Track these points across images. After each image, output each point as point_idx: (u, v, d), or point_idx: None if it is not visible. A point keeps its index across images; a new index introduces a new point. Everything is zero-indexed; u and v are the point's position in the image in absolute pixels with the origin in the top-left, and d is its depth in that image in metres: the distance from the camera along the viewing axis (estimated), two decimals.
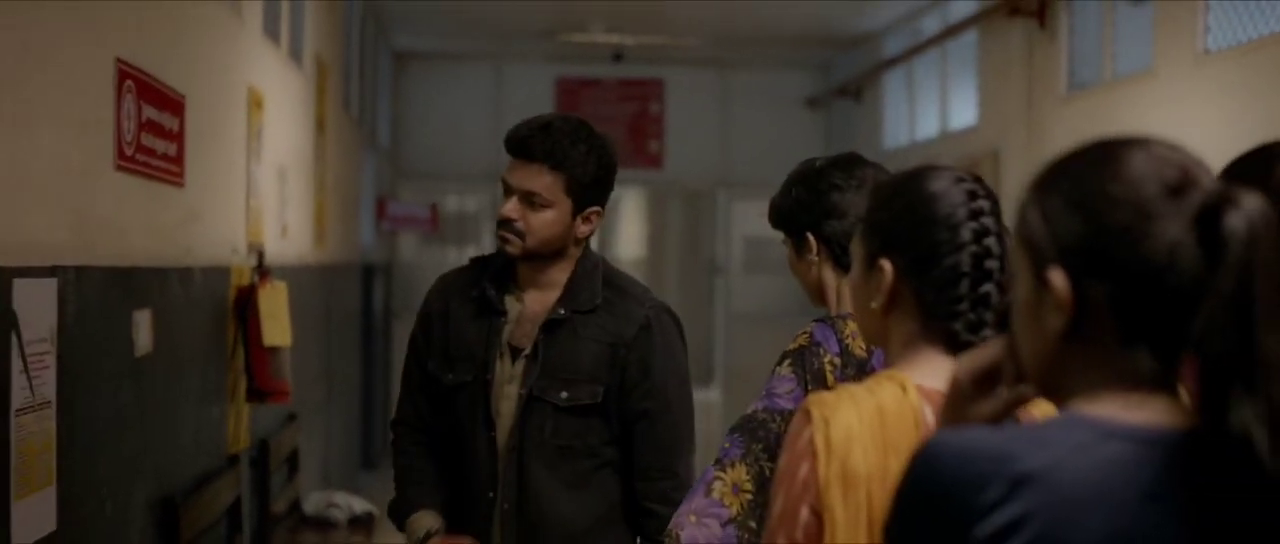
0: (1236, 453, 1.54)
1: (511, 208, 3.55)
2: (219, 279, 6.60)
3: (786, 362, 3.17)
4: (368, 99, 14.36)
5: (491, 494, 3.62)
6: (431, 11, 15.52)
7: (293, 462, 8.67)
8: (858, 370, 3.07)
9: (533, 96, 17.27)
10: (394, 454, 3.92)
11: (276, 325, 7.02)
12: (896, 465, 2.06)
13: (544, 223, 3.57)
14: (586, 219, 3.63)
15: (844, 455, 2.13)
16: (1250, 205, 1.59)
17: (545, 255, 3.61)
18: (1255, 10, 8.43)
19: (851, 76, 16.92)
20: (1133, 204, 1.62)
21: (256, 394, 7.02)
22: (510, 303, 3.66)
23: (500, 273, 3.69)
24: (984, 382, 1.84)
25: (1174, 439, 1.59)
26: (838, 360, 3.14)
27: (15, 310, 3.79)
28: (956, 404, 1.86)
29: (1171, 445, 1.58)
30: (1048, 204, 1.67)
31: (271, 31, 8.40)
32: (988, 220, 2.27)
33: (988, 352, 1.85)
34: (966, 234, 2.24)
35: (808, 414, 2.23)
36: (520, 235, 3.56)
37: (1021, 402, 1.81)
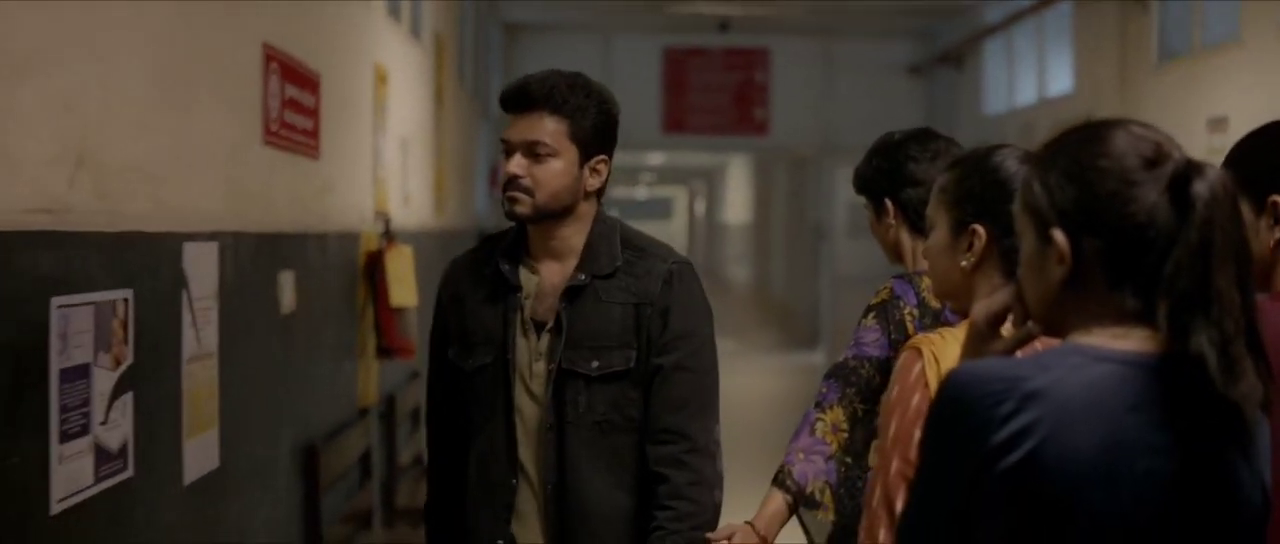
0: (1196, 373, 1.96)
1: (516, 164, 3.32)
2: (350, 244, 7.11)
3: (871, 314, 3.62)
4: (481, 71, 14.87)
5: (514, 480, 3.38)
6: None
7: (416, 416, 9.18)
8: (934, 320, 3.50)
9: (640, 66, 17.76)
10: (430, 453, 3.71)
11: (403, 287, 7.54)
12: None
13: (552, 174, 3.31)
14: (594, 170, 3.39)
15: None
16: (1212, 174, 2.00)
17: (556, 212, 3.35)
18: None
19: (952, 44, 17.22)
20: (1118, 174, 2.02)
21: (384, 351, 7.55)
22: (526, 277, 3.40)
23: (512, 247, 3.44)
24: (997, 322, 2.26)
25: (1150, 362, 2.00)
26: (916, 311, 3.58)
27: (185, 271, 4.29)
28: (975, 341, 2.28)
29: (1148, 367, 2.00)
30: (1048, 177, 2.08)
31: (394, 10, 8.91)
32: None
33: (1000, 297, 2.26)
34: None
35: (918, 351, 2.67)
36: (529, 192, 3.30)
37: (1029, 338, 2.22)
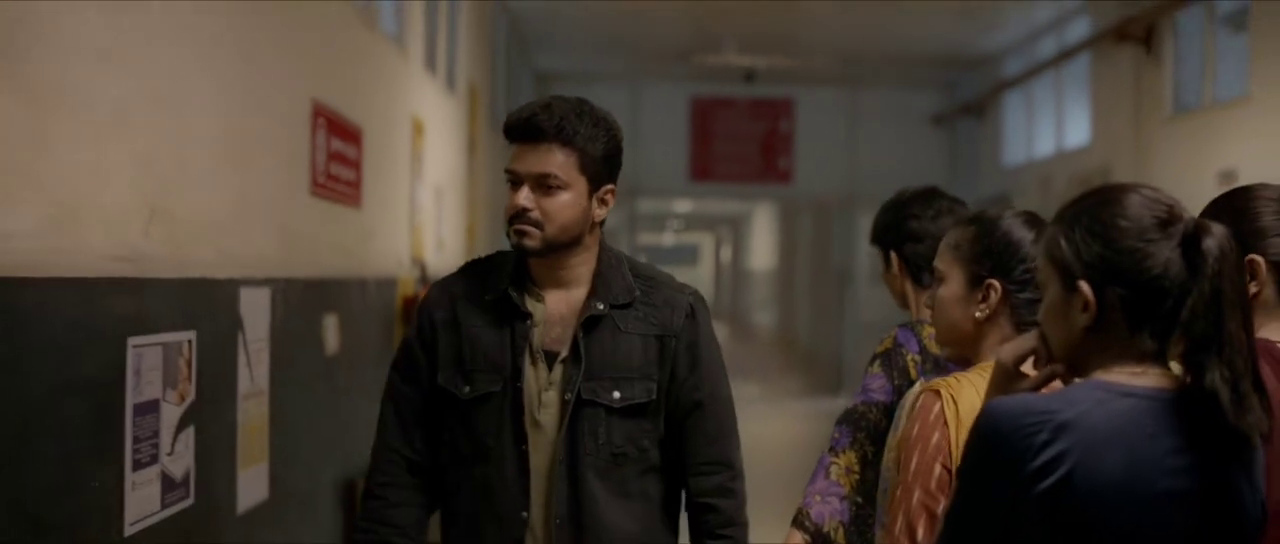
0: (1210, 406, 2.26)
1: (524, 197, 3.16)
2: (388, 289, 7.44)
3: (877, 362, 3.93)
4: None
5: (525, 513, 3.22)
6: (572, 33, 16.40)
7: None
8: (935, 366, 3.80)
9: (668, 115, 18.12)
10: (378, 476, 3.41)
11: None
12: None
13: (562, 207, 3.17)
14: (602, 200, 3.27)
15: (970, 424, 2.87)
16: (1218, 232, 2.31)
17: (565, 244, 3.22)
18: None
19: (973, 96, 17.55)
20: (1136, 233, 2.33)
21: None
22: (532, 305, 3.25)
23: (515, 274, 3.28)
24: (1022, 362, 2.56)
25: (1167, 397, 2.30)
26: (918, 358, 3.88)
27: (241, 314, 4.62)
28: (1002, 380, 2.58)
29: (1166, 401, 2.29)
30: (1073, 234, 2.38)
31: (430, 63, 9.26)
32: None
33: (1026, 341, 2.56)
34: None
35: (937, 394, 2.97)
36: (538, 225, 3.16)
37: (1052, 377, 2.51)
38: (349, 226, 6.48)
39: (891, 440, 3.49)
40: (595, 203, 3.25)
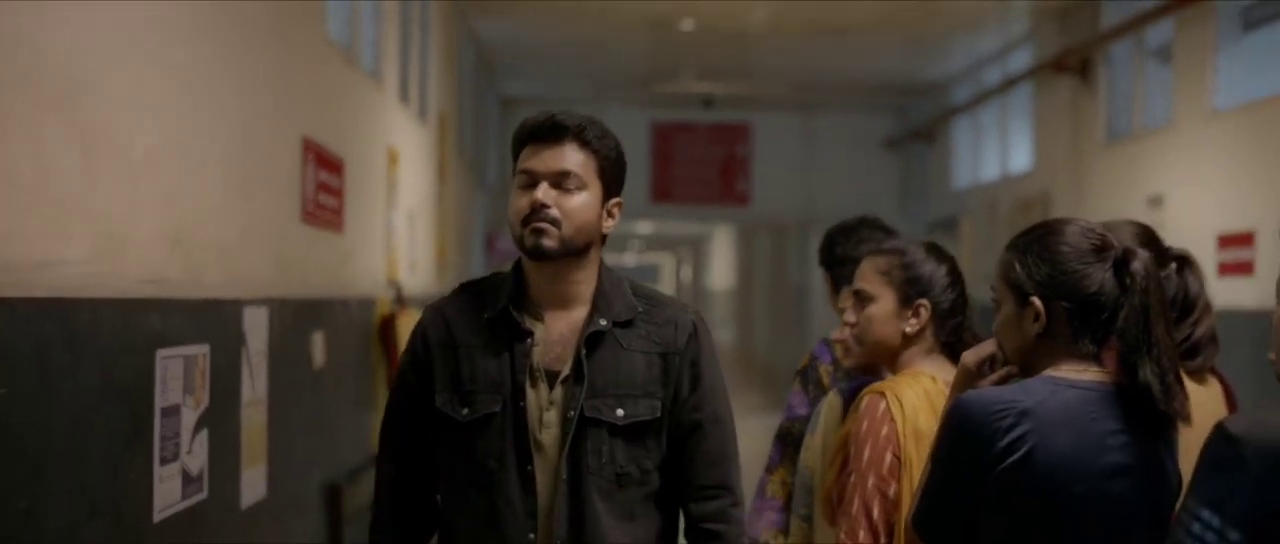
0: (1142, 397, 2.82)
1: (543, 193, 3.12)
2: (367, 308, 7.99)
3: (796, 379, 4.52)
4: (478, 143, 15.81)
5: (532, 536, 3.16)
6: (536, 60, 17.00)
7: None
8: (845, 375, 4.36)
9: (630, 139, 18.53)
10: (384, 502, 3.36)
11: None
12: None
13: (580, 206, 3.14)
14: (610, 213, 3.23)
15: (914, 418, 3.44)
16: (1143, 256, 2.88)
17: (578, 250, 3.17)
18: (1257, 74, 9.65)
19: (924, 121, 18.21)
20: (1077, 257, 2.90)
21: None
22: (531, 324, 3.20)
23: (514, 293, 3.22)
24: (983, 365, 3.13)
25: (1107, 389, 2.86)
26: (830, 369, 4.46)
27: (244, 330, 5.17)
28: (965, 380, 3.15)
29: (1105, 392, 2.84)
30: (1025, 260, 2.95)
31: (404, 95, 9.83)
32: (960, 282, 3.62)
33: (986, 347, 3.13)
34: (957, 296, 3.57)
35: (881, 394, 3.53)
36: (556, 224, 3.11)
37: (1010, 376, 3.08)
38: (333, 250, 7.03)
39: (809, 441, 4.08)
40: (605, 213, 3.21)
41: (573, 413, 3.14)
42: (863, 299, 3.67)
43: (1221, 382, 3.63)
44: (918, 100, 18.71)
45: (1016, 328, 2.90)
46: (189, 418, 4.48)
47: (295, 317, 6.05)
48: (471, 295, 3.28)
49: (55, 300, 3.44)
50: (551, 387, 3.18)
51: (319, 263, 6.70)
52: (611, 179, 3.22)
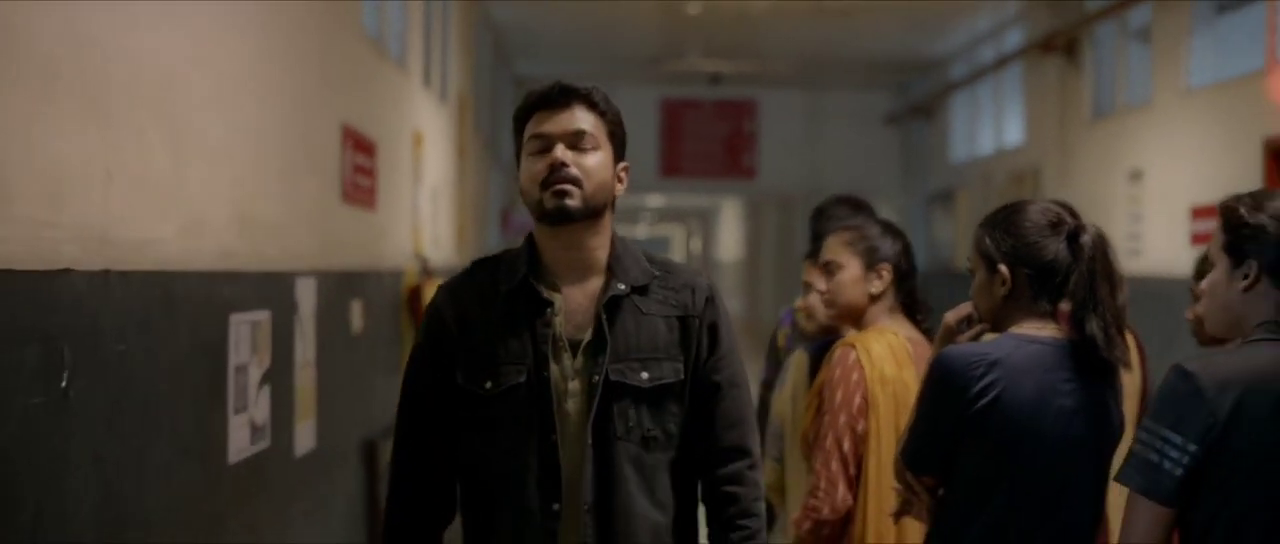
0: (1090, 349, 3.42)
1: (561, 152, 3.11)
2: (397, 279, 8.65)
3: (767, 349, 5.18)
4: (494, 122, 16.46)
5: (556, 505, 3.15)
6: (549, 41, 17.63)
7: None
8: (803, 337, 4.98)
9: (640, 116, 19.34)
10: (404, 480, 3.28)
11: None
12: (904, 374, 4.02)
13: (598, 165, 3.15)
14: (619, 177, 3.24)
15: (880, 366, 4.10)
16: (1092, 230, 3.48)
17: (598, 209, 3.18)
18: (1229, 54, 10.27)
19: (923, 97, 18.84)
20: (1036, 232, 3.51)
21: None
22: (549, 294, 3.20)
23: (529, 266, 3.21)
24: (961, 323, 3.75)
25: (1061, 343, 3.45)
26: (789, 331, 5.12)
27: (297, 299, 5.82)
28: (947, 335, 3.76)
29: (1060, 346, 3.43)
30: (994, 234, 3.55)
31: (427, 80, 10.48)
32: (911, 253, 4.27)
33: (963, 308, 3.74)
34: (909, 264, 4.22)
35: (852, 346, 4.18)
36: (577, 183, 3.12)
37: (983, 333, 3.67)
38: (368, 227, 7.69)
39: (779, 394, 4.74)
40: (615, 175, 3.22)
41: (597, 378, 3.13)
42: (832, 269, 4.34)
43: (1134, 337, 4.29)
44: (917, 77, 19.33)
45: (987, 291, 3.47)
46: (255, 375, 5.13)
47: (337, 287, 6.70)
48: (486, 271, 3.28)
49: (155, 273, 4.09)
50: (574, 355, 3.17)
51: (356, 238, 7.35)
52: (619, 142, 3.24)
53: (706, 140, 20.38)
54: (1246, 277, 2.98)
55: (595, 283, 3.22)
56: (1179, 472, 2.86)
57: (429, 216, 10.31)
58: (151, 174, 4.12)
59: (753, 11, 15.12)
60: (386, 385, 8.28)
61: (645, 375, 3.19)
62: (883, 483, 3.99)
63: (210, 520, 4.61)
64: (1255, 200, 3.00)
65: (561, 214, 3.13)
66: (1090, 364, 3.36)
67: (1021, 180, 14.48)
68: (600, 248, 3.24)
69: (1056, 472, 3.33)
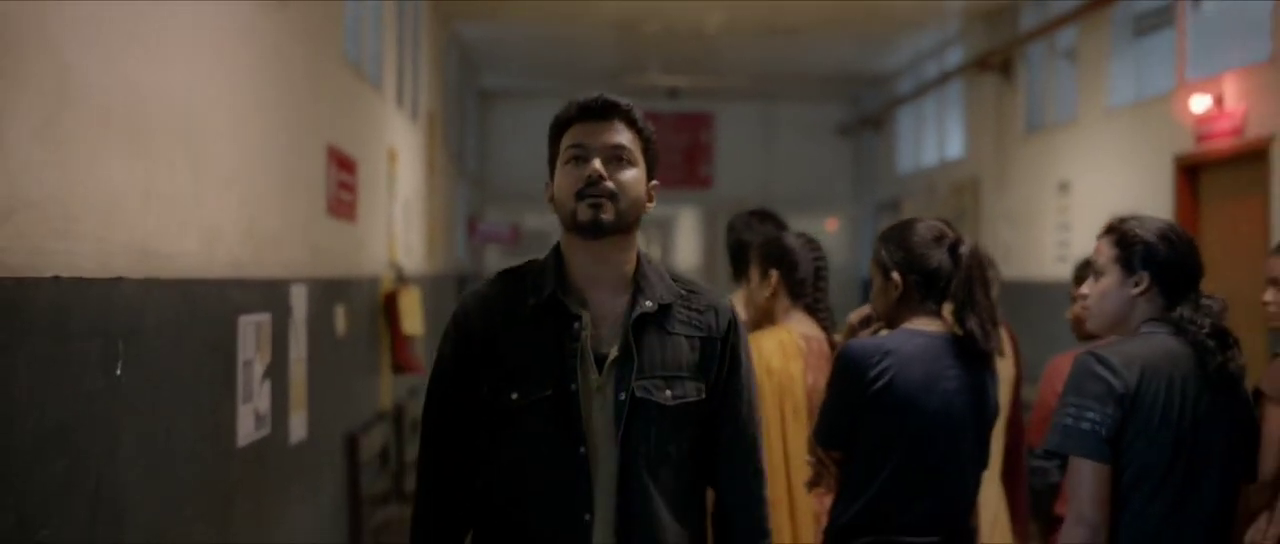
0: (969, 342, 4.10)
1: (601, 165, 3.12)
2: (374, 286, 9.36)
3: None
4: (460, 135, 17.17)
5: (588, 516, 3.15)
6: (514, 57, 18.34)
7: (417, 424, 11.37)
8: None
9: None
10: (432, 494, 3.29)
11: (411, 319, 9.81)
12: (790, 367, 4.75)
13: (633, 181, 3.15)
14: (650, 195, 3.24)
15: (767, 360, 4.80)
16: (968, 244, 4.18)
17: (629, 225, 3.18)
18: (1145, 76, 11.05)
19: (873, 110, 19.63)
20: (923, 245, 4.21)
21: (397, 367, 9.80)
22: (577, 308, 3.20)
23: (557, 278, 3.23)
24: (862, 322, 4.44)
25: (944, 336, 4.14)
26: None
27: (291, 304, 6.52)
28: (851, 331, 4.45)
29: (944, 339, 4.13)
30: (889, 246, 4.25)
31: (400, 100, 11.18)
32: (821, 261, 4.98)
33: (864, 309, 4.43)
34: (809, 265, 4.94)
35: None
36: (613, 197, 3.12)
37: (879, 329, 4.33)
38: (349, 237, 8.39)
39: None
40: (647, 193, 3.22)
41: (624, 395, 3.14)
42: (748, 279, 5.08)
43: (1009, 330, 5.03)
44: (867, 91, 20.13)
45: (883, 294, 4.20)
46: (258, 370, 5.83)
47: (324, 293, 7.40)
48: (512, 281, 3.29)
49: (182, 280, 4.79)
50: (600, 370, 3.16)
51: (339, 248, 8.05)
52: (652, 160, 3.26)
53: (665, 151, 20.95)
54: (1138, 284, 3.73)
55: (622, 298, 3.22)
56: (1104, 432, 3.57)
57: (402, 227, 11.01)
58: (178, 195, 4.82)
59: (707, 31, 15.85)
60: (366, 384, 8.99)
61: (669, 393, 3.19)
62: (769, 461, 4.64)
63: (223, 497, 5.30)
64: (1141, 222, 3.78)
65: (595, 226, 3.13)
66: (970, 354, 4.05)
67: (962, 190, 15.26)
68: (627, 263, 3.24)
69: (939, 443, 4.00)
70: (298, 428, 6.68)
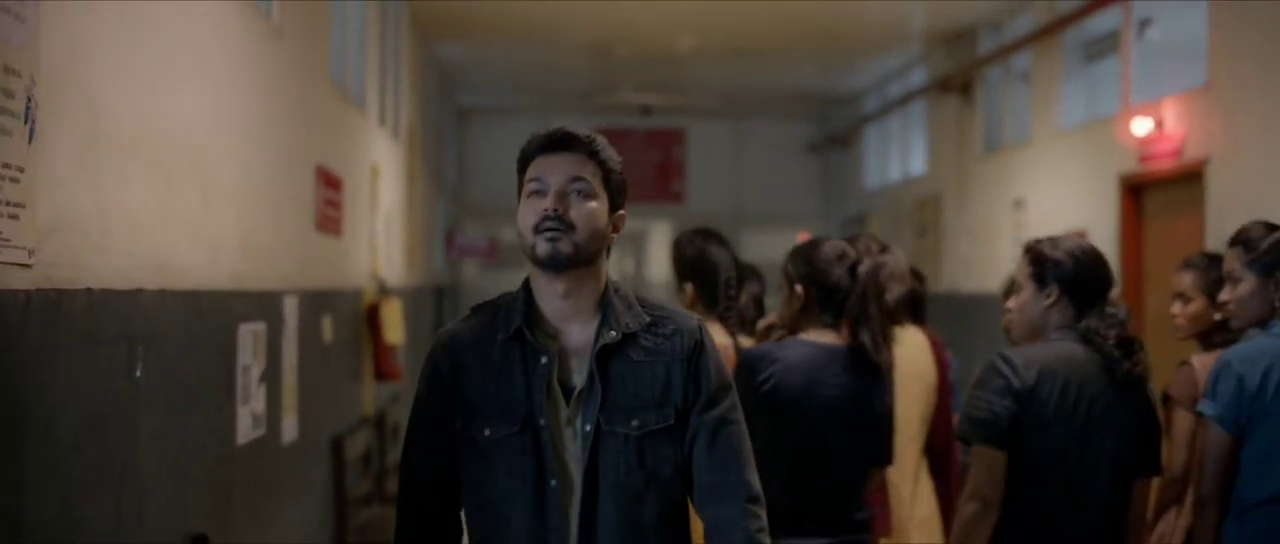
0: (862, 352, 4.61)
1: (556, 199, 3.14)
2: (358, 298, 9.83)
3: None
4: (439, 151, 17.66)
5: None
6: (490, 76, 18.83)
7: (398, 431, 11.85)
8: None
9: None
10: (411, 525, 3.34)
11: (393, 329, 10.29)
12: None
13: (592, 213, 3.16)
14: (615, 225, 3.26)
15: None
16: (867, 262, 4.68)
17: (589, 257, 3.20)
18: (1093, 99, 11.60)
19: (840, 128, 20.16)
20: (825, 262, 4.70)
21: (380, 375, 10.28)
22: (545, 341, 3.22)
23: (525, 313, 3.25)
24: (768, 330, 4.93)
25: (836, 347, 4.65)
26: None
27: (283, 313, 7.00)
28: (760, 337, 4.95)
29: (834, 349, 4.65)
30: (795, 261, 4.75)
31: (382, 119, 11.66)
32: (731, 274, 5.48)
33: (771, 317, 4.92)
34: (725, 282, 5.43)
35: None
36: (571, 229, 3.14)
37: (782, 337, 4.82)
38: (335, 251, 8.87)
39: None
40: (611, 224, 3.24)
41: (589, 427, 3.15)
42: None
43: (930, 335, 5.55)
44: (835, 109, 20.67)
45: (788, 305, 4.71)
46: (255, 374, 6.30)
47: (313, 304, 7.87)
48: (484, 318, 3.32)
49: (191, 291, 5.27)
50: (568, 401, 3.19)
51: (326, 261, 8.53)
52: (616, 191, 3.25)
53: (638, 167, 21.63)
54: (1049, 297, 4.24)
55: (589, 328, 3.24)
56: (1003, 423, 4.09)
57: (384, 241, 11.49)
58: (188, 214, 5.30)
59: (678, 53, 16.35)
60: (350, 390, 9.47)
61: (635, 422, 3.19)
62: None
63: (224, 491, 5.77)
64: (1052, 242, 4.30)
65: (553, 260, 3.16)
66: (861, 363, 4.55)
67: (924, 207, 15.78)
68: (593, 294, 3.25)
69: (815, 442, 4.50)
70: (289, 429, 7.15)
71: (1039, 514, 4.13)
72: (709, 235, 6.24)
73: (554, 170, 3.17)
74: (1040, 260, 4.33)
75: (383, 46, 11.80)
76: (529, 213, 3.17)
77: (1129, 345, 4.21)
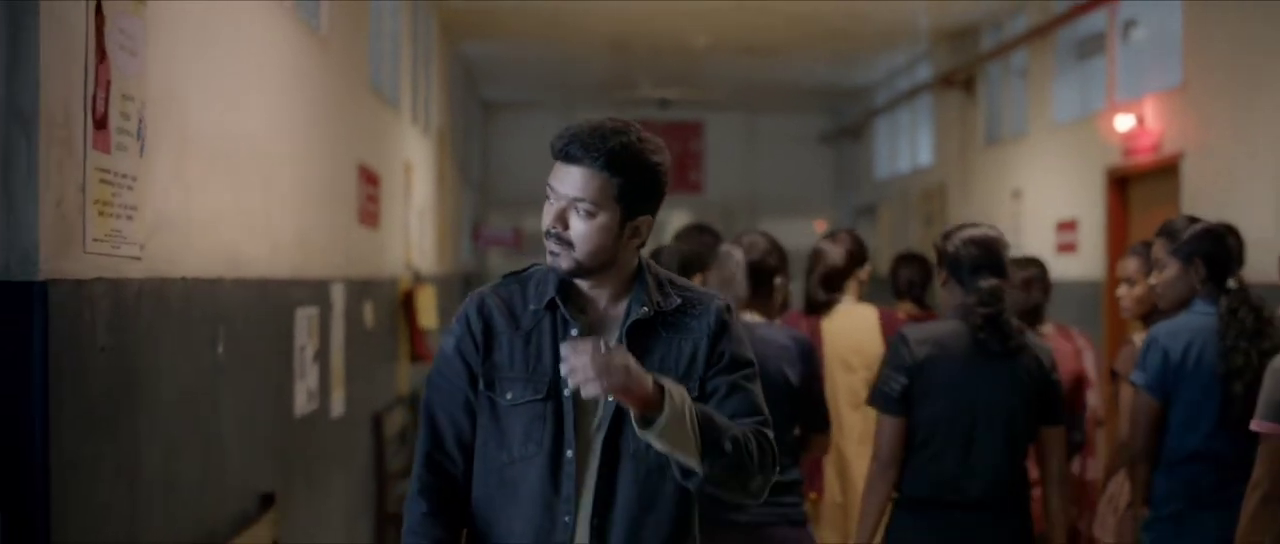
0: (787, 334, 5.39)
1: (555, 215, 3.17)
2: (394, 285, 10.57)
3: None
4: (465, 145, 18.39)
5: (568, 518, 3.20)
6: (515, 72, 19.49)
7: None
8: None
9: None
10: (428, 481, 3.31)
11: (427, 314, 11.04)
12: None
13: (592, 231, 3.15)
14: (635, 230, 3.20)
15: None
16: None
17: (594, 268, 3.20)
18: (1086, 95, 12.28)
19: (852, 120, 20.82)
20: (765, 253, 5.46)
21: (415, 357, 11.03)
22: (574, 314, 3.24)
23: (558, 284, 3.26)
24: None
25: (763, 324, 5.41)
26: None
27: (332, 300, 7.73)
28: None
29: (761, 325, 5.40)
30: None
31: (415, 117, 12.40)
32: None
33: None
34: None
35: None
36: (569, 245, 3.16)
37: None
38: (374, 243, 9.60)
39: None
40: (628, 231, 3.18)
41: (612, 399, 3.07)
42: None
43: (884, 315, 6.25)
44: (846, 103, 21.30)
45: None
46: (309, 354, 7.02)
47: (356, 291, 8.60)
48: (516, 285, 3.34)
49: (258, 280, 5.99)
50: None
51: (367, 252, 9.26)
52: (634, 200, 3.16)
53: None
54: (943, 280, 4.95)
55: (621, 305, 3.26)
56: (897, 393, 4.81)
57: (417, 232, 12.24)
58: (255, 211, 6.02)
59: (693, 50, 17.00)
60: (387, 370, 10.21)
61: None
62: None
63: (285, 457, 6.50)
64: (947, 233, 4.99)
65: (556, 273, 3.24)
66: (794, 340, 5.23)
67: (930, 197, 16.46)
68: (621, 279, 3.26)
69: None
70: (338, 405, 7.88)
71: (936, 466, 4.82)
72: (707, 230, 6.89)
73: (562, 183, 3.17)
74: (938, 247, 5.00)
75: (414, 48, 12.53)
76: (545, 214, 3.22)
77: (994, 321, 4.77)
